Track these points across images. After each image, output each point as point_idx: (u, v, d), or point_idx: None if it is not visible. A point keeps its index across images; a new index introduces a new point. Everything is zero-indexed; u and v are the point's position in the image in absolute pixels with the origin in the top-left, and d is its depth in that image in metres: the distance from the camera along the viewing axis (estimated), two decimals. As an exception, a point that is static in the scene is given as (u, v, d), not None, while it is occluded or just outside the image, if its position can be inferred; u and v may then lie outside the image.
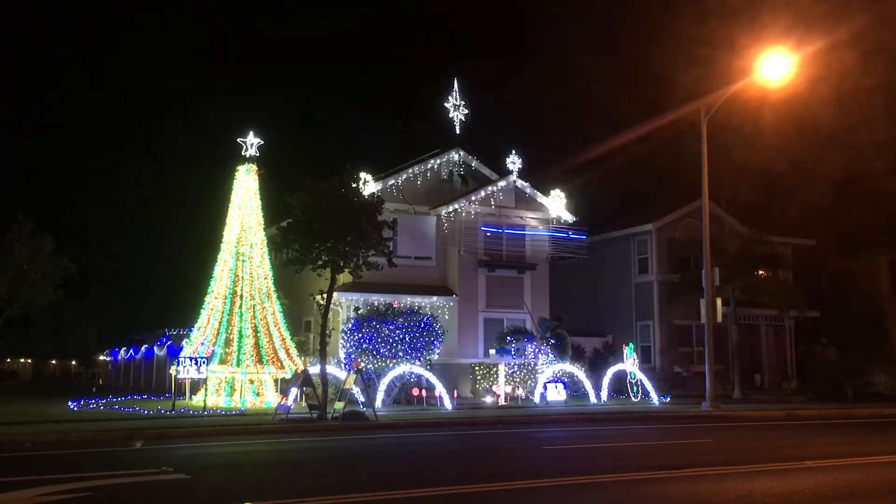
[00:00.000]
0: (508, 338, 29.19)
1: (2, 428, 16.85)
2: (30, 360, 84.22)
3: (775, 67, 23.18)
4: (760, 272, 33.02)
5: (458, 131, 32.54)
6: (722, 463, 11.90)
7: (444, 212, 31.11)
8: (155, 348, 38.29)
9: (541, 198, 32.54)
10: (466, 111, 32.55)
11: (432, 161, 32.08)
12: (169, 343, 35.55)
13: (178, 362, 23.20)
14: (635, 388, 28.73)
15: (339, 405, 19.78)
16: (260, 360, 25.43)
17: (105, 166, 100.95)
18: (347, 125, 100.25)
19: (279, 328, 26.44)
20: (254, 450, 14.86)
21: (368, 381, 23.34)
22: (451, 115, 32.52)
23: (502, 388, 26.57)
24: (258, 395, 25.82)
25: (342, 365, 25.11)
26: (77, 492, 9.36)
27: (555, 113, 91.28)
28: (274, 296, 26.85)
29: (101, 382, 53.61)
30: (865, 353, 34.08)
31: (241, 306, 25.99)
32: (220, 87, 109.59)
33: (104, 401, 26.78)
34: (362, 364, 23.26)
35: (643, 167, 52.12)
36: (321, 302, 21.21)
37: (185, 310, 32.51)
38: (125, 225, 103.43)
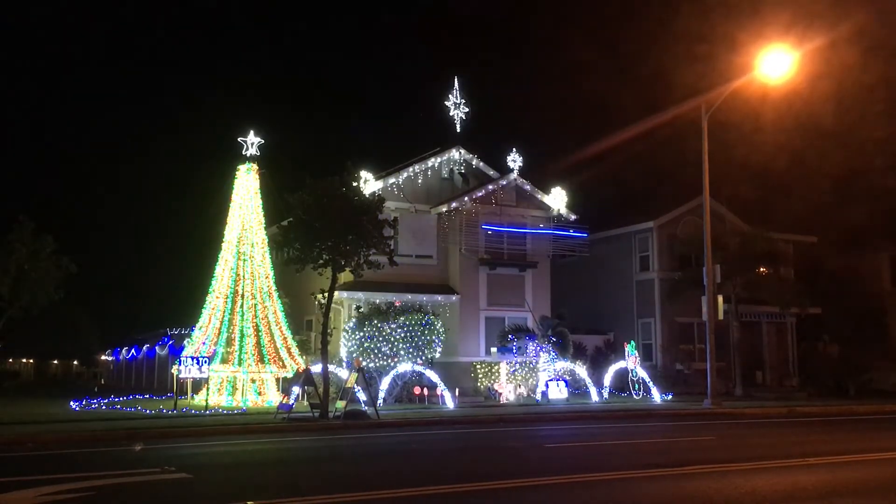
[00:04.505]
0: (510, 336, 29.19)
1: (4, 428, 16.87)
2: (31, 361, 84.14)
3: (776, 64, 23.17)
4: (761, 269, 33.01)
5: (458, 129, 32.55)
6: (724, 460, 11.89)
7: (444, 210, 31.11)
8: (157, 348, 38.32)
9: (542, 196, 32.54)
10: (467, 109, 32.58)
11: (433, 159, 32.06)
12: (170, 342, 35.59)
13: (180, 361, 23.23)
14: (637, 385, 28.73)
15: (340, 404, 19.79)
16: (261, 359, 25.45)
17: (106, 166, 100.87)
18: (348, 124, 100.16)
19: (280, 327, 26.46)
20: (256, 449, 14.87)
21: (370, 380, 23.37)
22: (451, 114, 32.52)
23: (504, 387, 26.59)
24: (260, 394, 25.85)
25: (344, 364, 25.12)
26: (79, 491, 9.36)
27: (555, 111, 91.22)
28: (275, 295, 26.87)
29: (102, 382, 53.62)
30: (867, 350, 34.03)
31: (242, 305, 26.02)
32: (220, 87, 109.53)
33: (106, 400, 26.81)
34: (364, 363, 23.25)
35: (644, 164, 52.17)
36: (322, 301, 21.21)
37: (186, 309, 32.53)
38: (126, 224, 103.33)
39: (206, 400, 23.51)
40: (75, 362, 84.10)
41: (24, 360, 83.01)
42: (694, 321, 32.90)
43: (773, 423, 20.73)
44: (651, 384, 28.22)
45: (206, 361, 23.07)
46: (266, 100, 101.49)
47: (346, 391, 20.39)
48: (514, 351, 28.70)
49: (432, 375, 24.80)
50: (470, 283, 31.09)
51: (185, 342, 27.68)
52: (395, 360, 25.33)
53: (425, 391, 25.00)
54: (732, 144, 37.91)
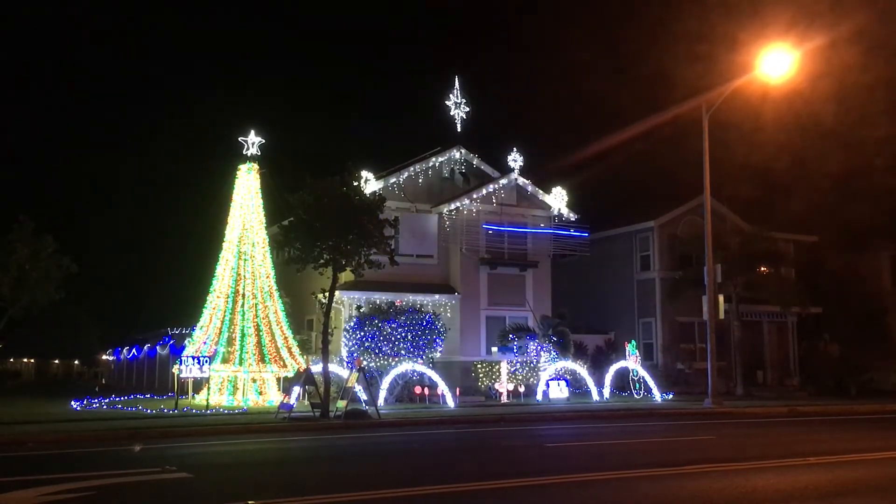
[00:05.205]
0: (510, 335, 29.19)
1: (5, 428, 16.88)
2: (32, 361, 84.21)
3: (776, 64, 23.16)
4: (762, 269, 33.01)
5: (459, 129, 32.59)
6: (724, 460, 11.89)
7: (445, 210, 31.11)
8: (157, 348, 38.30)
9: (542, 195, 32.55)
10: (467, 109, 32.62)
11: (434, 159, 32.08)
12: (171, 342, 35.56)
13: (181, 361, 23.23)
14: (637, 385, 28.73)
15: (341, 403, 19.79)
16: (262, 358, 25.46)
17: (106, 166, 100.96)
18: (349, 123, 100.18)
19: (281, 327, 26.47)
20: (256, 448, 14.88)
21: (371, 380, 23.37)
22: (452, 113, 32.55)
23: (504, 386, 26.57)
24: (261, 393, 25.86)
25: (344, 363, 25.12)
26: (80, 491, 9.36)
27: (555, 111, 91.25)
28: (276, 294, 26.88)
29: (103, 382, 53.63)
30: (868, 350, 34.02)
31: (243, 305, 26.04)
32: (220, 87, 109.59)
33: (107, 400, 26.82)
34: (364, 362, 23.26)
35: (645, 164, 52.29)
36: (323, 300, 21.21)
37: (187, 309, 32.54)
38: (127, 224, 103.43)
39: (207, 399, 23.52)
40: (76, 362, 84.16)
41: (25, 360, 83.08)
42: (695, 321, 32.90)
43: (774, 422, 20.72)
44: (652, 383, 28.21)
45: (206, 361, 23.08)
46: (266, 100, 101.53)
47: (347, 391, 20.39)
48: (515, 350, 28.69)
49: (433, 375, 24.81)
50: (471, 283, 31.09)
51: (185, 342, 27.68)
52: (396, 359, 25.34)
53: (426, 391, 25.00)
54: (733, 144, 37.98)
